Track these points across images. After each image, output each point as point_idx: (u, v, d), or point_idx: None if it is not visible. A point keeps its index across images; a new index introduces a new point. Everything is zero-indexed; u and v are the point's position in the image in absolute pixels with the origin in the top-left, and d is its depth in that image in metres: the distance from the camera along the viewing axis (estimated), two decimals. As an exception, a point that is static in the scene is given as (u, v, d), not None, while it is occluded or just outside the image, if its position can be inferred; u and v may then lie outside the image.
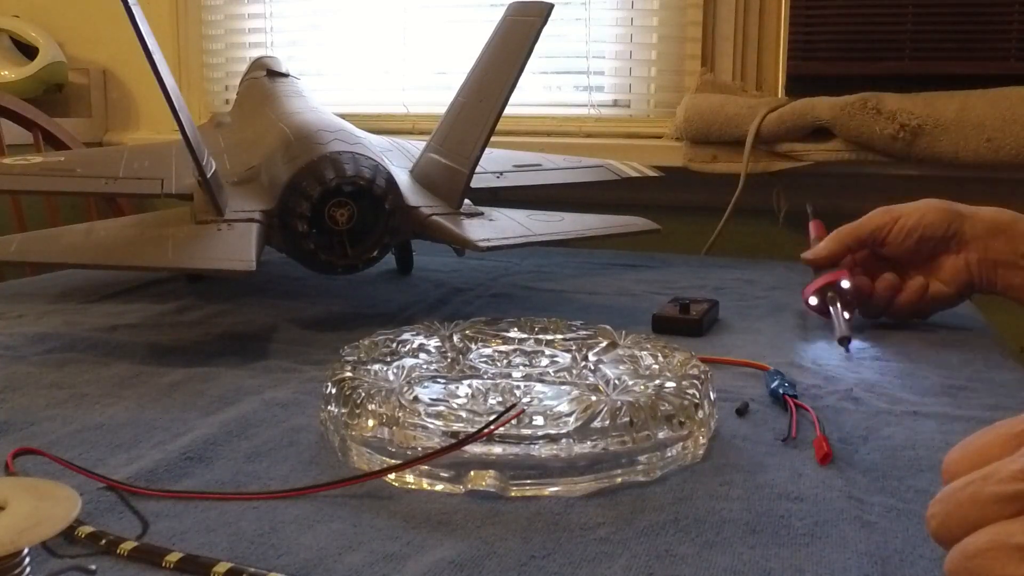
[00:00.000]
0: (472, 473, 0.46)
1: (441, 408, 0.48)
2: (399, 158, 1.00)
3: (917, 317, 0.83)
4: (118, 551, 0.39)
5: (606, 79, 1.59)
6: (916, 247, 0.81)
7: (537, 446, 0.46)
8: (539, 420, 0.46)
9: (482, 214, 0.87)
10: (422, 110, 1.65)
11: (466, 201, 0.87)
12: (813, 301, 0.80)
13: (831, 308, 0.78)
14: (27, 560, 0.34)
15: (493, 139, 0.83)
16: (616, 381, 0.52)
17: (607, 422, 0.47)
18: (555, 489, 0.46)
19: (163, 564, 0.39)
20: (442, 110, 0.95)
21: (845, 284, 0.79)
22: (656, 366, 0.56)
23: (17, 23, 1.81)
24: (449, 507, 0.45)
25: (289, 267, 0.94)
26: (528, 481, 0.46)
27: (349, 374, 0.52)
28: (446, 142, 0.91)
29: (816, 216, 0.90)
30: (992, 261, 0.80)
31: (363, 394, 0.49)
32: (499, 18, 0.90)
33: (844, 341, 0.74)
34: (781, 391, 0.60)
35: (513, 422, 0.45)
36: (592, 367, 0.56)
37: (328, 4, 1.73)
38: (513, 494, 0.46)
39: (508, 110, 0.82)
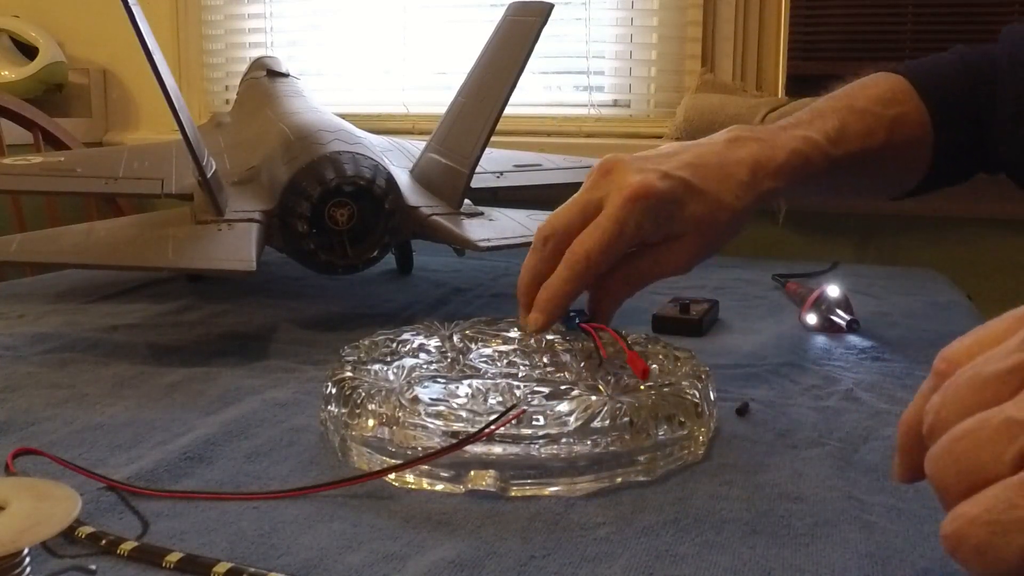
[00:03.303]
0: (472, 473, 0.46)
1: (441, 408, 0.48)
2: (399, 158, 1.00)
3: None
4: (118, 551, 0.39)
5: (606, 79, 1.59)
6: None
7: (537, 446, 0.46)
8: (539, 420, 0.46)
9: (482, 214, 0.87)
10: (422, 110, 1.65)
11: (466, 201, 0.87)
12: (811, 320, 0.80)
13: (831, 317, 0.79)
14: (27, 560, 0.34)
15: (493, 139, 0.83)
16: (616, 381, 0.52)
17: (607, 422, 0.47)
18: (555, 489, 0.46)
19: (163, 564, 0.39)
20: (442, 110, 0.95)
21: (833, 292, 0.80)
22: (656, 366, 0.56)
23: (17, 23, 1.81)
24: (449, 507, 0.45)
25: (289, 267, 0.94)
26: (528, 481, 0.46)
27: (349, 374, 0.52)
28: (446, 142, 0.91)
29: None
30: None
31: (363, 394, 0.49)
32: (499, 18, 0.90)
33: (853, 324, 0.78)
34: (577, 320, 0.59)
35: (513, 422, 0.45)
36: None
37: (328, 4, 1.73)
38: (513, 494, 0.46)
39: (508, 110, 0.82)
